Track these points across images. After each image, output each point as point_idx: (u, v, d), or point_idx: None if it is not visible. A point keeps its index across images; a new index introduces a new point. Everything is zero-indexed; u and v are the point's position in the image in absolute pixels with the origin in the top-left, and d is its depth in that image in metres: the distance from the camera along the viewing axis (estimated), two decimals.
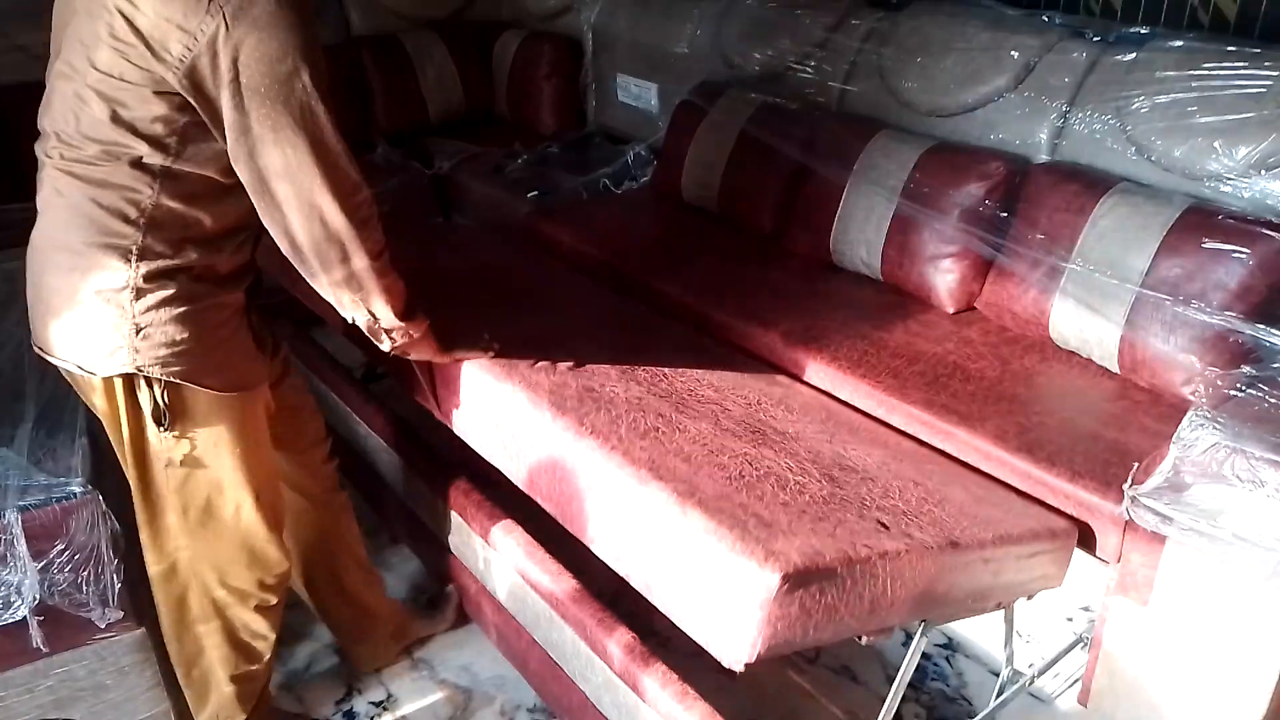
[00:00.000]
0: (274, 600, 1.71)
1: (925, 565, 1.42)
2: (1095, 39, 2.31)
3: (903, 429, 1.97)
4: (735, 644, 1.27)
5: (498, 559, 1.84)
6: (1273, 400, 1.60)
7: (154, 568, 1.63)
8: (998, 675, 1.93)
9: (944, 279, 2.30)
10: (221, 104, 1.24)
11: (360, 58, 3.58)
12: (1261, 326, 1.80)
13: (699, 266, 2.61)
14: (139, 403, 1.41)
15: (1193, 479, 1.56)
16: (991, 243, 2.23)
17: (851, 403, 2.06)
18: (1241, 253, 1.85)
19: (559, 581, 1.67)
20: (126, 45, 1.23)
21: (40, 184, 1.39)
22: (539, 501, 1.61)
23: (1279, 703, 1.63)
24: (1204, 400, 1.68)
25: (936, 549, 1.44)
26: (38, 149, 1.38)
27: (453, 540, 2.01)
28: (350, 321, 1.47)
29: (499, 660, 2.05)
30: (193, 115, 1.27)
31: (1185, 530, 1.56)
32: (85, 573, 1.66)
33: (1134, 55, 2.19)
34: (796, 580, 1.23)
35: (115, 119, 1.27)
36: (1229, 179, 1.98)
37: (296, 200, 1.29)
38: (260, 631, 1.73)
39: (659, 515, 1.35)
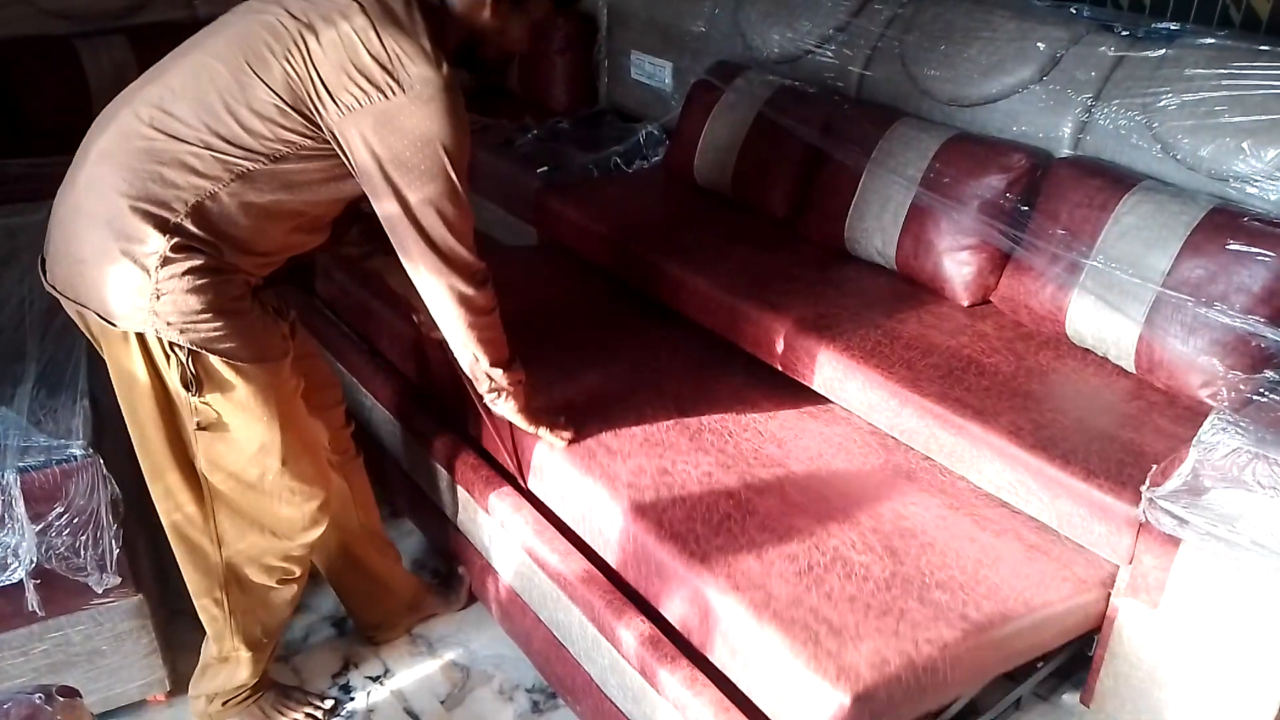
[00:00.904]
0: (298, 571, 1.69)
1: (981, 649, 1.54)
2: (1124, 33, 2.28)
3: (916, 422, 1.95)
4: None
5: (503, 535, 1.81)
6: None
7: (172, 515, 1.59)
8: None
9: (960, 271, 2.28)
10: (361, 160, 1.39)
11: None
12: None
13: (710, 249, 2.57)
14: (154, 361, 1.41)
15: (1212, 483, 1.54)
16: (1010, 236, 2.20)
17: (864, 394, 2.03)
18: (1267, 255, 1.82)
19: (567, 561, 1.65)
20: (299, 81, 1.36)
21: (102, 130, 1.41)
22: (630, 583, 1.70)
23: None
24: (1225, 404, 1.66)
25: (991, 630, 1.56)
26: (126, 100, 1.41)
27: (459, 516, 1.99)
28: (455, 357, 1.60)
29: (499, 638, 2.04)
30: (318, 144, 1.40)
31: (1202, 534, 1.54)
32: (83, 537, 1.64)
33: (1163, 51, 2.16)
34: (865, 698, 1.40)
35: (244, 125, 1.36)
36: (1256, 180, 1.95)
37: (423, 265, 1.46)
38: (280, 601, 1.71)
39: (738, 623, 1.50)
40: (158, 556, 1.80)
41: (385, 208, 1.43)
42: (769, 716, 1.50)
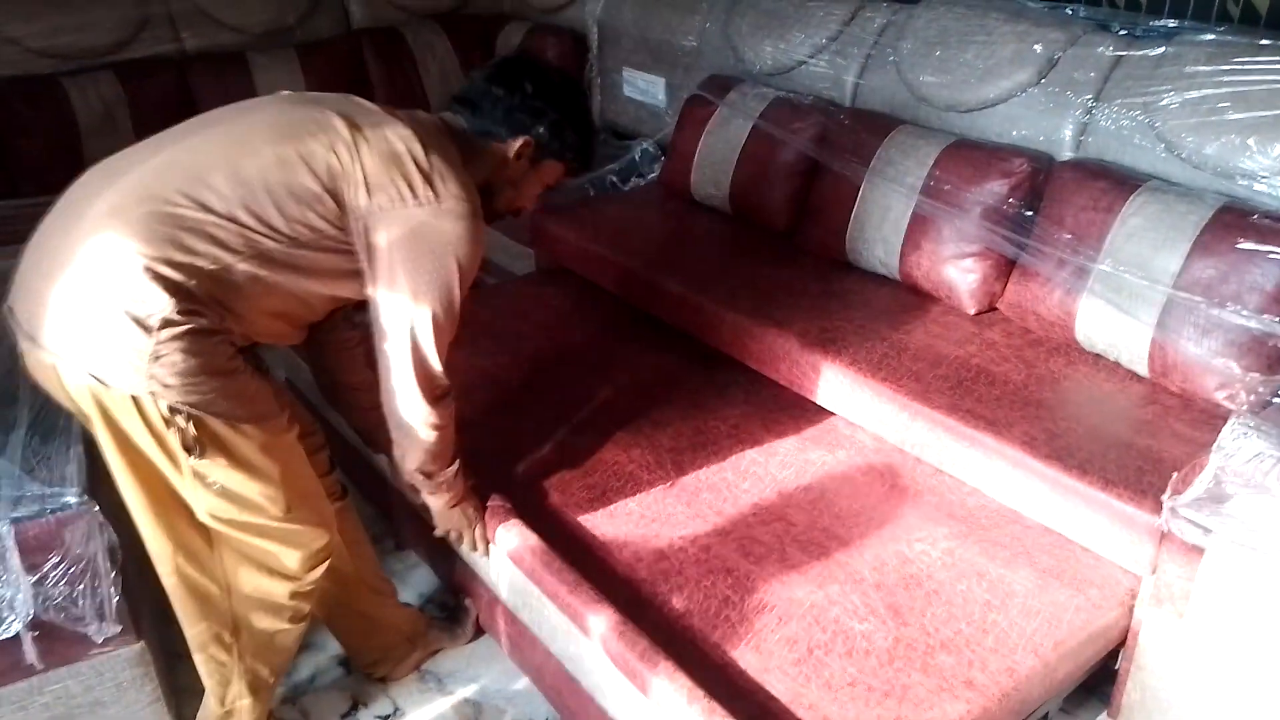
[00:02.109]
0: (307, 608, 1.67)
1: (989, 714, 1.49)
2: (1121, 32, 2.25)
3: (927, 435, 1.91)
4: None
5: (508, 567, 1.77)
6: None
7: (170, 578, 1.56)
8: None
9: (965, 279, 2.24)
10: (379, 252, 1.46)
11: (360, 50, 3.52)
12: None
13: (710, 265, 2.55)
14: (152, 425, 1.39)
15: (1235, 490, 1.50)
16: (1015, 242, 2.17)
17: (873, 408, 2.00)
18: (1278, 253, 1.79)
19: (577, 593, 1.61)
20: (342, 170, 1.43)
21: (107, 184, 1.40)
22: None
23: None
24: (1244, 407, 1.62)
25: (998, 692, 1.51)
26: (134, 161, 1.42)
27: (462, 547, 1.95)
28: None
29: (509, 672, 1.99)
30: (340, 237, 1.45)
31: (1227, 542, 1.50)
32: (81, 586, 1.60)
33: (1162, 49, 2.13)
34: None
35: (278, 204, 1.40)
36: (1264, 177, 1.92)
37: (395, 364, 1.53)
38: (289, 642, 1.69)
39: None
40: (157, 601, 1.76)
41: (384, 299, 1.49)
42: None
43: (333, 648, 2.05)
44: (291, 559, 1.57)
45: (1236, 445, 1.51)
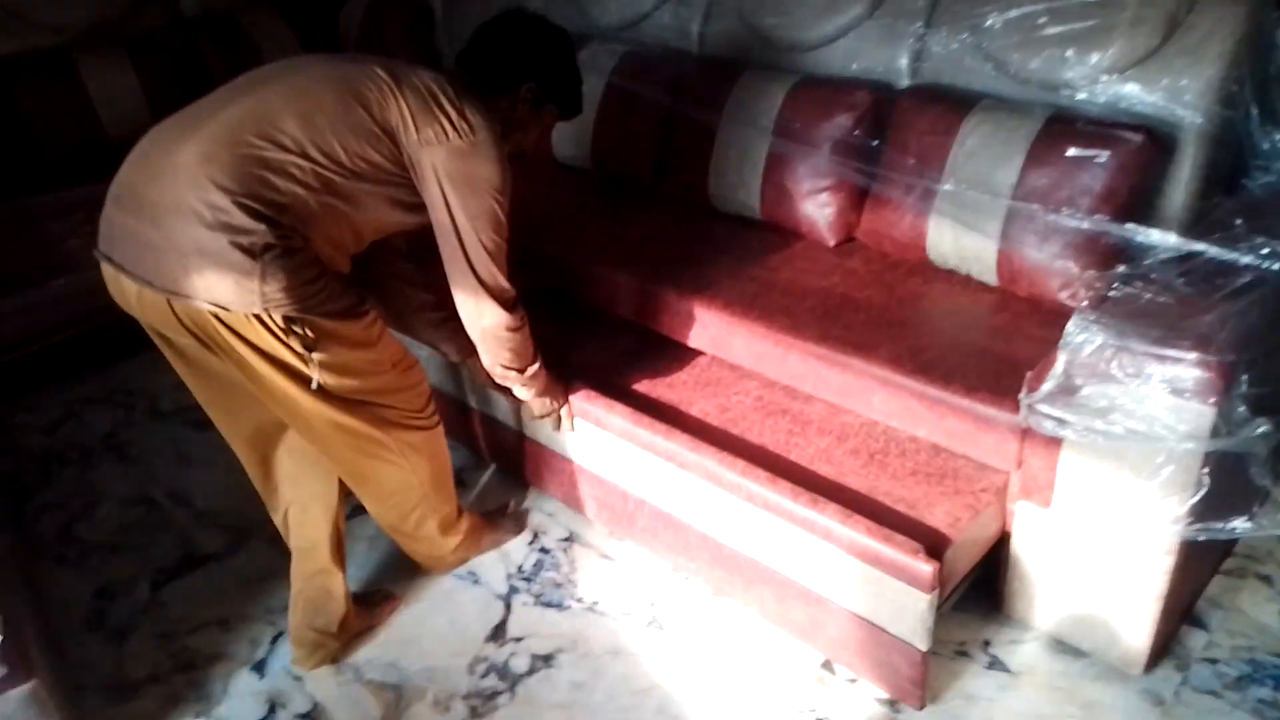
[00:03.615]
0: (437, 423, 1.97)
1: None
2: None
3: (801, 366, 1.98)
4: None
5: (602, 434, 2.05)
6: (1148, 296, 1.66)
7: (369, 450, 1.82)
8: None
9: (823, 213, 2.32)
10: (429, 184, 1.69)
11: (196, 42, 3.37)
12: (1130, 225, 1.86)
13: (578, 224, 2.56)
14: (273, 332, 1.59)
15: (1083, 380, 1.61)
16: (865, 172, 2.25)
17: (749, 346, 2.06)
18: (1103, 156, 1.91)
19: (672, 438, 1.92)
20: (393, 110, 1.64)
21: (190, 134, 1.58)
22: None
23: (1176, 584, 1.72)
24: (1084, 303, 1.73)
25: None
26: (206, 115, 1.61)
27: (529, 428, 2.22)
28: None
29: (427, 652, 2.01)
30: (394, 170, 1.66)
31: (1081, 431, 1.61)
32: None
33: None
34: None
35: (341, 142, 1.61)
36: (1084, 86, 2.03)
37: (463, 284, 1.77)
38: (443, 456, 2.01)
39: None
40: (49, 632, 1.70)
41: (442, 225, 1.71)
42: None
43: (242, 655, 2.03)
44: (412, 400, 1.85)
45: (1080, 340, 1.62)
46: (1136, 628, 1.77)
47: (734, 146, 2.43)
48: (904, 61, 2.32)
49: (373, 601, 2.10)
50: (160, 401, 2.85)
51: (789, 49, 2.51)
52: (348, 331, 1.68)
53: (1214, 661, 1.87)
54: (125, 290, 1.63)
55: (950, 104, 2.15)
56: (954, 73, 2.24)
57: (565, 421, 2.08)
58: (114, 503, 2.49)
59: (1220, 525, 1.63)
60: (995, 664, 1.90)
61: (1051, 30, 2.07)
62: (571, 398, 2.07)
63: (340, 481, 1.92)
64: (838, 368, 1.94)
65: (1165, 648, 1.88)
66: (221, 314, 1.57)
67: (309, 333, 1.62)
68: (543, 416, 2.07)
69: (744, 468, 1.83)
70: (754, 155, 2.39)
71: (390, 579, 2.19)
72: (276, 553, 2.04)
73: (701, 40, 2.71)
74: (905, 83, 2.33)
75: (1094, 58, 2.02)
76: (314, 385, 1.66)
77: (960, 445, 1.83)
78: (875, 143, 2.24)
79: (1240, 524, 1.64)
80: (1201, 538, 1.63)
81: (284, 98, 1.62)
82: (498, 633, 2.05)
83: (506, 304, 1.79)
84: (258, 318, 1.58)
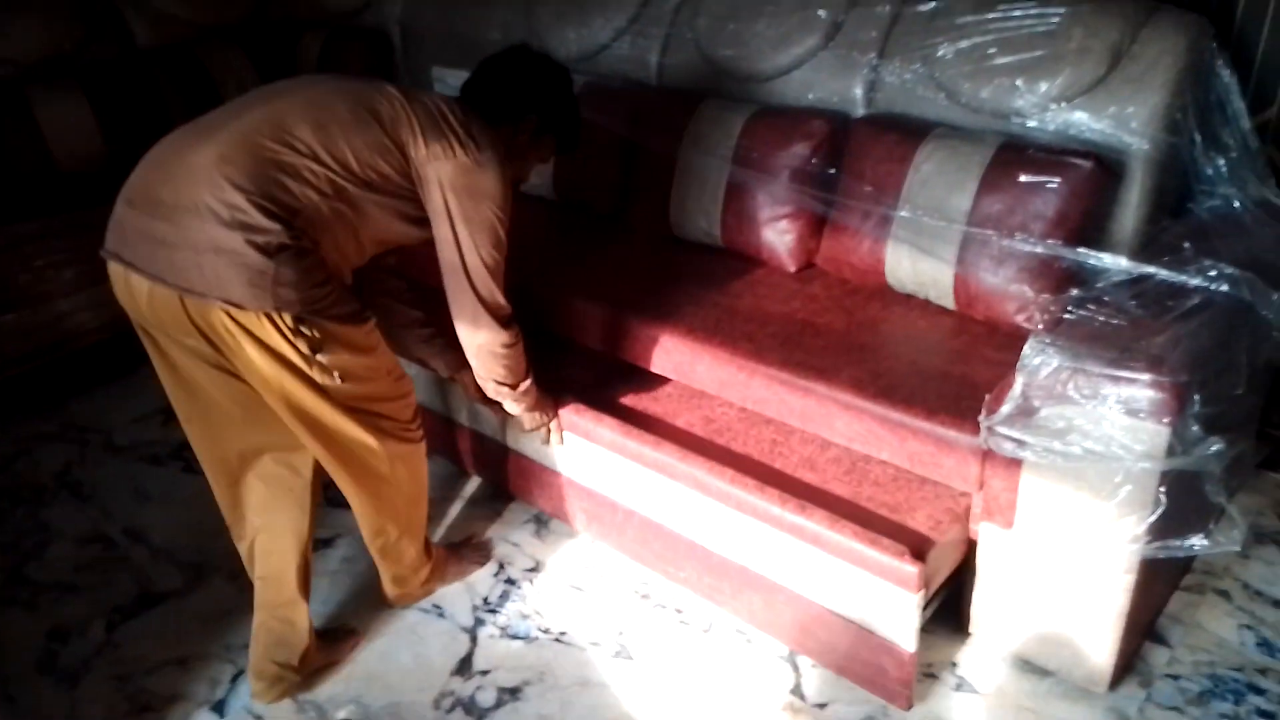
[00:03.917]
0: (420, 438, 1.97)
1: None
2: None
3: (765, 391, 1.99)
4: None
5: (591, 447, 2.08)
6: (1102, 318, 1.69)
7: (361, 455, 1.82)
8: None
9: (783, 240, 2.34)
10: (434, 197, 1.75)
11: (152, 74, 3.34)
12: (1082, 249, 1.91)
13: (541, 254, 2.55)
14: (281, 331, 1.61)
15: (1040, 402, 1.64)
16: (823, 199, 2.28)
17: (713, 372, 2.07)
18: (1054, 182, 1.95)
19: (660, 448, 1.95)
20: (404, 125, 1.71)
21: (208, 139, 1.63)
22: None
23: (1137, 602, 1.75)
24: (1040, 326, 1.76)
25: None
26: (219, 126, 1.66)
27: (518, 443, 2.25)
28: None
29: (390, 687, 1.97)
30: (402, 182, 1.72)
31: (1040, 452, 1.63)
32: None
33: (933, 4, 2.27)
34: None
35: (353, 150, 1.66)
36: (1034, 114, 2.09)
37: (462, 301, 1.82)
38: (421, 474, 2.01)
39: None
40: None
41: (444, 239, 1.77)
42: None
43: (200, 694, 1.98)
44: (402, 411, 1.87)
45: (1037, 362, 1.65)
46: (1100, 646, 1.78)
47: (694, 175, 2.45)
48: (859, 91, 2.37)
49: (334, 638, 2.07)
50: (116, 436, 2.80)
51: (746, 79, 2.55)
52: (351, 336, 1.71)
53: (1176, 677, 1.90)
54: (135, 289, 1.64)
55: (905, 132, 2.19)
56: (907, 102, 2.29)
57: (554, 435, 2.11)
58: (67, 541, 2.43)
59: (1178, 543, 1.66)
60: (963, 685, 1.91)
61: (1001, 60, 2.13)
62: (560, 411, 2.10)
63: (311, 515, 1.90)
64: (800, 392, 1.95)
65: (1129, 665, 1.90)
66: (233, 312, 1.59)
67: (316, 334, 1.65)
68: (533, 430, 2.10)
69: (732, 476, 1.87)
70: (714, 184, 2.42)
71: (353, 614, 2.16)
72: (236, 589, 2.00)
73: (660, 71, 2.74)
74: (860, 112, 2.37)
75: (1043, 87, 2.07)
76: (321, 385, 1.69)
77: (922, 468, 1.84)
78: (832, 170, 2.27)
79: (1197, 541, 1.66)
80: (1161, 555, 1.66)
81: (299, 107, 1.68)
82: (464, 666, 2.02)
83: (502, 321, 1.84)
84: (268, 317, 1.61)
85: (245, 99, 1.75)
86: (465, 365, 1.95)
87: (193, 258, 1.57)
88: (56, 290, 2.81)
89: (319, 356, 1.67)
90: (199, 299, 1.59)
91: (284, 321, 1.62)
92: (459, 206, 1.73)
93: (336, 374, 1.70)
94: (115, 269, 1.67)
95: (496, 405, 2.04)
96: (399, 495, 1.95)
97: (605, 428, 2.04)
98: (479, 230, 1.75)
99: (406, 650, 2.06)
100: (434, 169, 1.72)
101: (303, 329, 1.64)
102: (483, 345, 1.86)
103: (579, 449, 2.12)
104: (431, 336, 2.10)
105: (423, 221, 1.78)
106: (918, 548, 1.71)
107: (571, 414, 2.09)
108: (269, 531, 1.88)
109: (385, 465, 1.87)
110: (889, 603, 1.70)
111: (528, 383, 1.97)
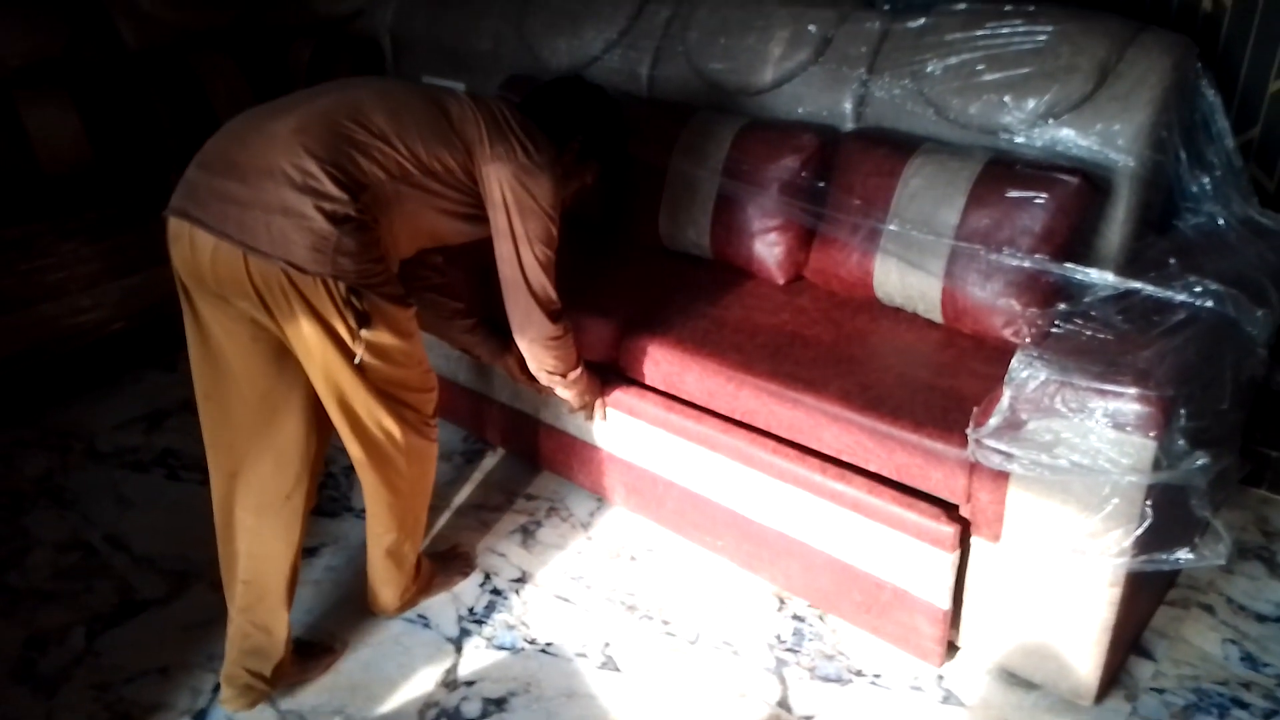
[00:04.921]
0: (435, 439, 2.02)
1: None
2: (885, 7, 2.41)
3: (754, 402, 2.00)
4: None
5: (636, 423, 2.19)
6: (1089, 332, 1.71)
7: (378, 440, 1.86)
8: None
9: (772, 252, 2.35)
10: (494, 196, 1.84)
11: (141, 79, 3.32)
12: (1069, 264, 1.92)
13: None
14: (334, 298, 1.66)
15: (1028, 415, 1.65)
16: (812, 212, 2.29)
17: (702, 383, 2.07)
18: (1041, 197, 1.97)
19: (702, 421, 2.06)
20: (470, 125, 1.82)
21: (286, 113, 1.70)
22: None
23: (1123, 615, 1.75)
24: (1027, 340, 1.78)
25: None
26: (294, 107, 1.73)
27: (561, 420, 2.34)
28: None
29: (375, 699, 1.96)
30: (463, 178, 1.82)
31: (1027, 465, 1.64)
32: None
33: (922, 21, 2.29)
34: None
35: (421, 138, 1.75)
36: (1021, 130, 2.11)
37: (516, 294, 1.93)
38: (434, 456, 2.03)
39: None
40: None
41: (502, 233, 1.86)
42: None
43: (182, 703, 1.96)
44: (425, 404, 1.92)
45: (1025, 375, 1.66)
46: (1086, 659, 1.79)
47: (684, 187, 2.46)
48: (848, 106, 2.38)
49: (312, 653, 2.04)
50: (98, 442, 2.77)
51: (736, 93, 2.56)
52: (395, 317, 1.78)
53: (1161, 691, 1.90)
54: (199, 246, 1.67)
55: (893, 147, 2.20)
56: (896, 117, 2.31)
57: (599, 412, 2.25)
58: (47, 548, 2.40)
59: (1164, 556, 1.67)
60: (950, 698, 1.91)
61: (989, 77, 2.15)
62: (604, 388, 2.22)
63: (304, 523, 1.89)
64: (789, 404, 1.96)
65: (1114, 679, 1.91)
66: (293, 274, 1.64)
67: (365, 307, 1.71)
68: (579, 410, 2.24)
69: (774, 447, 1.98)
70: (704, 195, 2.42)
71: (336, 623, 2.14)
72: (219, 597, 1.98)
73: (651, 83, 2.75)
74: (850, 126, 2.38)
75: (1030, 103, 2.09)
76: (356, 360, 1.74)
77: (910, 480, 1.85)
78: (822, 184, 2.28)
79: (1183, 555, 1.68)
80: (1147, 569, 1.67)
81: (375, 96, 1.77)
82: (449, 677, 2.01)
83: (552, 315, 1.94)
84: (324, 283, 1.66)
85: (318, 88, 1.83)
86: (507, 350, 2.12)
87: (262, 217, 1.63)
88: (40, 295, 2.79)
89: (364, 333, 1.72)
90: (262, 258, 1.63)
91: (338, 290, 1.67)
92: (516, 203, 1.83)
93: (375, 354, 1.76)
94: (180, 226, 1.70)
95: (539, 384, 2.15)
96: (412, 493, 1.98)
97: (649, 403, 2.16)
98: (534, 227, 1.86)
99: (391, 661, 2.05)
100: (495, 168, 1.81)
101: (354, 300, 1.69)
102: (535, 338, 1.96)
103: (621, 424, 2.24)
104: (474, 326, 2.22)
105: (475, 219, 1.87)
106: (950, 512, 1.81)
107: (616, 391, 2.21)
108: (260, 535, 1.86)
109: (403, 459, 1.90)
110: (925, 562, 1.82)
111: (578, 371, 2.08)
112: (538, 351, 1.99)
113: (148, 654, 2.08)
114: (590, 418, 2.27)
